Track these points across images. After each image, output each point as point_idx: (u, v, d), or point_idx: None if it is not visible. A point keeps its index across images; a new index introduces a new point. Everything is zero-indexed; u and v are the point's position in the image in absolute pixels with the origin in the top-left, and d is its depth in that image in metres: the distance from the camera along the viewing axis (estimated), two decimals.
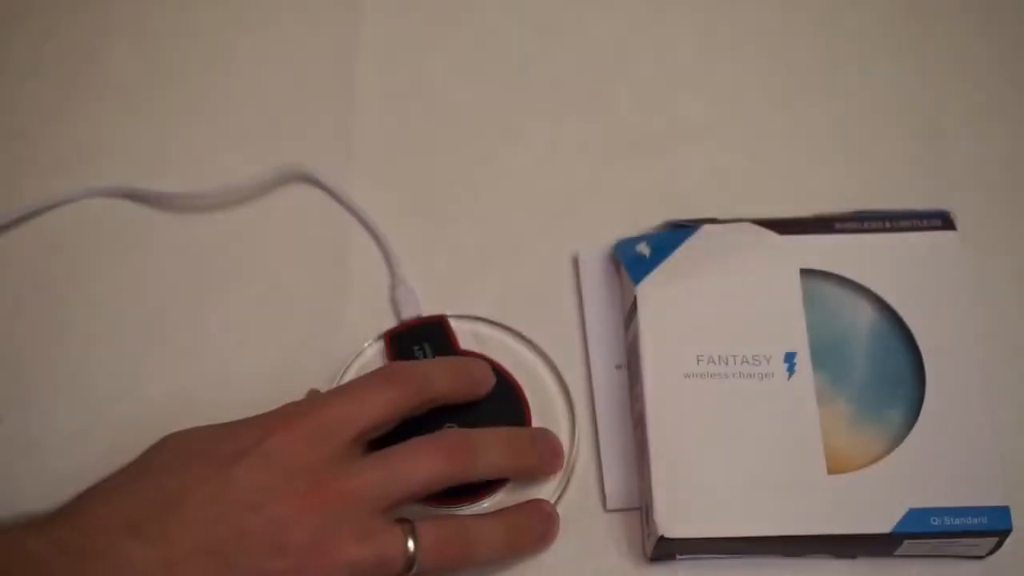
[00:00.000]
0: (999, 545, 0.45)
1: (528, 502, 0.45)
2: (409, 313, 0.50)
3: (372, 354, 0.49)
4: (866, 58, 0.57)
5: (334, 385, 0.47)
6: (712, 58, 0.58)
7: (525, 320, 0.50)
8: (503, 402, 0.47)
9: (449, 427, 0.46)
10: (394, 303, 0.51)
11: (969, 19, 0.58)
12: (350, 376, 0.48)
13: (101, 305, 0.51)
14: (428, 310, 0.51)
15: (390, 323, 0.50)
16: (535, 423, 0.48)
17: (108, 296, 0.51)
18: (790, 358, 0.46)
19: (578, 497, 0.46)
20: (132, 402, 0.49)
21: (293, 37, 0.58)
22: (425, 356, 0.48)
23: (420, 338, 0.49)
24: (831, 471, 0.44)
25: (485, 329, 0.50)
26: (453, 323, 0.50)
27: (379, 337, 0.49)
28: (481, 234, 0.53)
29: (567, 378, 0.49)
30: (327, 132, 0.55)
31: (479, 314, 0.50)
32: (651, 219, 0.52)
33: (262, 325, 0.51)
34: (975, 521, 0.44)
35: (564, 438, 0.47)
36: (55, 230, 0.53)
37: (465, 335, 0.50)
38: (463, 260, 0.53)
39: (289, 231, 0.53)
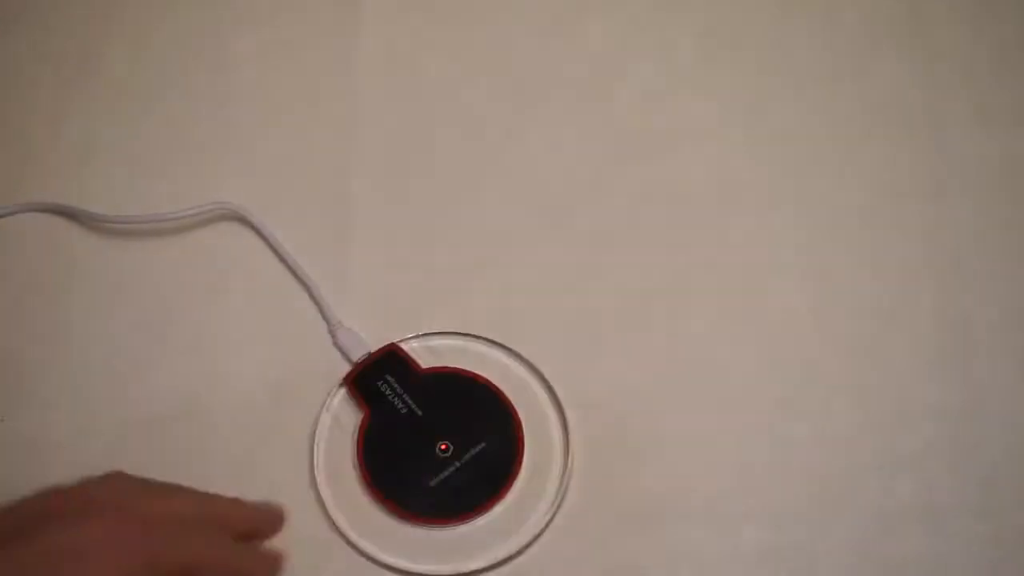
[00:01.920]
0: None
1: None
2: (358, 353, 0.50)
3: (339, 403, 0.49)
4: (866, 58, 0.57)
5: (313, 449, 0.47)
6: (712, 58, 0.58)
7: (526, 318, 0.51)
8: (492, 412, 0.48)
9: (441, 444, 0.47)
10: (339, 348, 0.50)
11: (969, 19, 0.58)
12: (325, 432, 0.48)
13: (94, 310, 0.51)
14: (430, 310, 0.51)
15: (341, 367, 0.50)
16: (525, 426, 0.48)
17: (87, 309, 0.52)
18: None
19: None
20: (133, 402, 0.49)
21: (293, 38, 0.58)
22: (391, 389, 0.48)
23: (380, 373, 0.49)
24: None
25: (442, 341, 0.50)
26: (406, 345, 0.50)
27: (340, 385, 0.49)
28: (481, 233, 0.53)
29: (548, 372, 0.49)
30: (327, 133, 0.55)
31: (474, 323, 0.50)
32: (651, 219, 0.53)
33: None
34: None
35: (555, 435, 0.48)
36: None
37: (419, 352, 0.50)
38: (463, 259, 0.53)
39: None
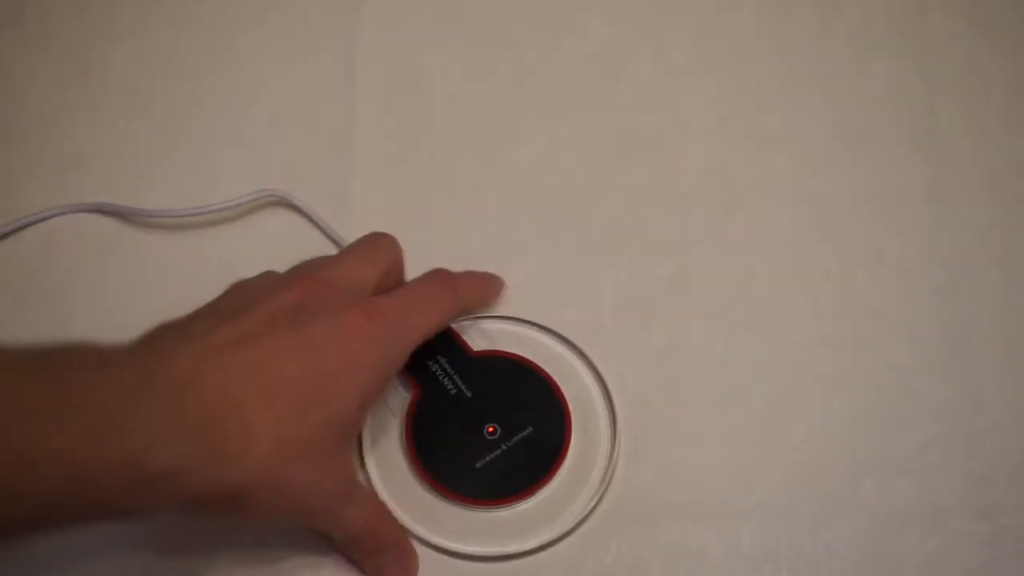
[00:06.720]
0: None
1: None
2: None
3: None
4: (866, 58, 0.57)
5: (361, 431, 0.47)
6: (712, 58, 0.58)
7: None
8: (542, 398, 0.48)
9: (488, 427, 0.47)
10: None
11: (969, 19, 0.58)
12: (380, 413, 0.48)
13: (97, 316, 0.51)
14: None
15: None
16: (573, 413, 0.48)
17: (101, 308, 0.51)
18: None
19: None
20: None
21: (293, 37, 0.58)
22: (442, 369, 0.48)
23: (432, 353, 0.48)
24: None
25: (495, 325, 0.50)
26: (459, 327, 0.50)
27: None
28: (482, 233, 0.53)
29: (599, 362, 0.49)
30: (327, 133, 0.55)
31: (527, 311, 0.50)
32: (652, 219, 0.53)
33: None
34: None
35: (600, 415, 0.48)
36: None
37: (471, 335, 0.50)
38: (464, 260, 0.53)
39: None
